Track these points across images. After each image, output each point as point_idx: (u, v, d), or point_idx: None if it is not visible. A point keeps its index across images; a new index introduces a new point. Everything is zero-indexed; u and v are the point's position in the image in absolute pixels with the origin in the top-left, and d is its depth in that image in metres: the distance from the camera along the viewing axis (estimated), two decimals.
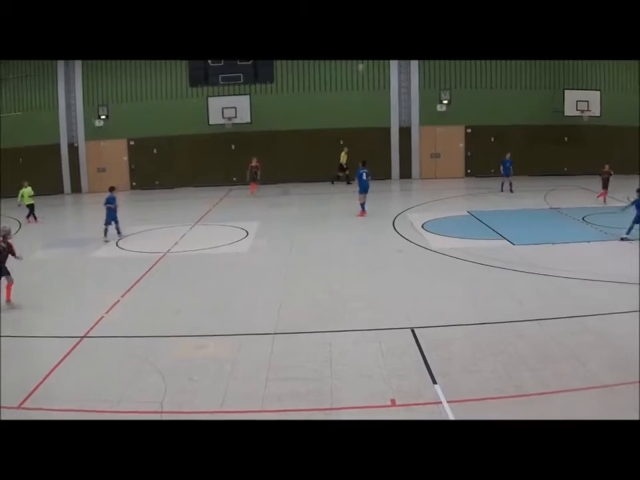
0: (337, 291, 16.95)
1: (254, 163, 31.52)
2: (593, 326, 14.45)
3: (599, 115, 36.53)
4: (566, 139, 37.69)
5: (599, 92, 36.70)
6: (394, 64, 35.26)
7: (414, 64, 35.37)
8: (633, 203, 22.61)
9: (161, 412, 10.47)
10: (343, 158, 34.97)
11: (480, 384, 11.56)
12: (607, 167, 29.77)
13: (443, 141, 36.66)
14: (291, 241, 22.62)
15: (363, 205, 27.00)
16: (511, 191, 31.97)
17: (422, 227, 24.57)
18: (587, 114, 36.45)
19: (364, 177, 26.75)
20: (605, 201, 28.92)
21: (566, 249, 21.34)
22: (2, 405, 10.40)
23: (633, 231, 22.10)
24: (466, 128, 36.84)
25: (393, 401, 10.84)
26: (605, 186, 29.21)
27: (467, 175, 37.24)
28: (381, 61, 34.98)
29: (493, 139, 36.33)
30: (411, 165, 36.56)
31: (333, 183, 35.59)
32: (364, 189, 26.83)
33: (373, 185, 32.39)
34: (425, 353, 12.84)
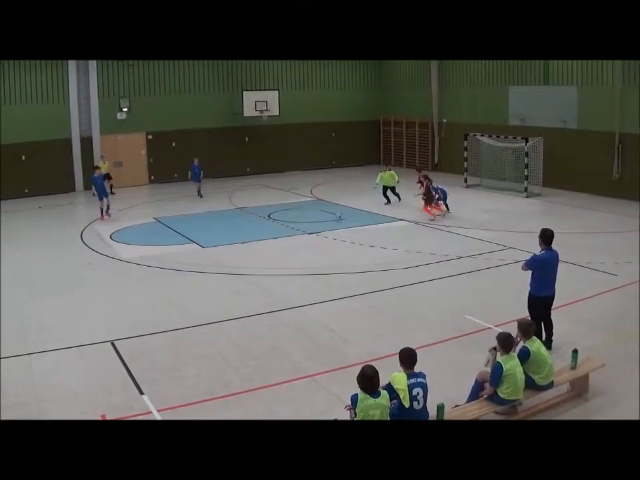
0: (29, 312, 15.87)
1: None
2: (288, 319, 14.90)
3: (277, 114, 37.80)
4: (247, 139, 38.63)
5: (277, 91, 37.98)
6: (72, 72, 33.89)
7: (92, 73, 34.27)
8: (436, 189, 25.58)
9: None
10: (104, 168, 33.53)
11: (187, 388, 11.50)
12: (420, 175, 27.23)
13: (124, 148, 35.86)
14: None
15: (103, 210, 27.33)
16: (200, 195, 31.95)
17: (110, 237, 23.85)
18: (266, 114, 37.54)
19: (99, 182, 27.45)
20: (431, 214, 25.36)
21: (255, 246, 21.86)
22: None
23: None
24: (147, 134, 36.39)
25: (103, 416, 10.42)
26: (429, 200, 25.60)
27: (150, 181, 36.78)
28: (59, 71, 33.65)
29: (174, 144, 36.27)
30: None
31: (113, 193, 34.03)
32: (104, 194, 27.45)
33: (58, 199, 31.38)
34: (128, 365, 12.52)
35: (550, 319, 12.70)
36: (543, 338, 12.21)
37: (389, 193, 28.56)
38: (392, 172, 28.80)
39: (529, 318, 12.07)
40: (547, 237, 12.53)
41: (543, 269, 12.44)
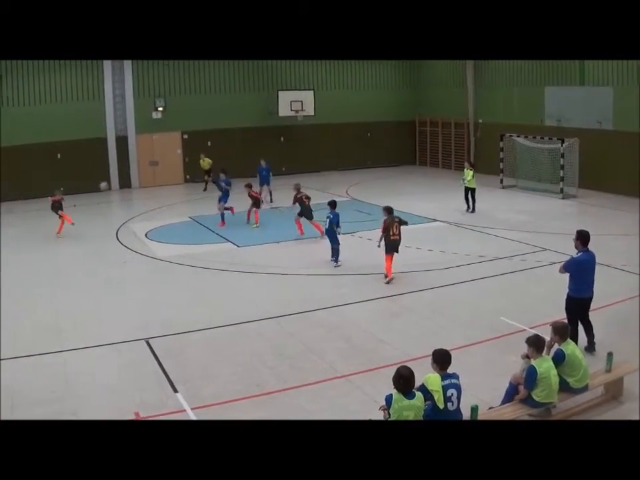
0: (65, 309, 16.09)
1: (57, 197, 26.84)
2: (323, 319, 14.93)
3: (312, 114, 37.88)
4: (282, 139, 38.73)
5: (312, 91, 38.03)
6: (107, 72, 34.24)
7: (127, 72, 34.58)
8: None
9: None
10: (205, 164, 33.88)
11: (221, 387, 11.57)
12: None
13: (160, 148, 36.13)
14: (8, 263, 20.84)
15: (222, 215, 25.54)
16: (271, 200, 30.16)
17: (145, 235, 24.06)
18: (301, 113, 37.61)
19: (224, 185, 25.88)
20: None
21: (290, 246, 21.90)
22: None
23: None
24: (182, 134, 36.61)
25: (137, 414, 10.53)
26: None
27: (185, 180, 37.02)
28: (95, 71, 33.99)
29: (209, 144, 36.39)
30: (129, 174, 35.74)
31: (205, 189, 34.27)
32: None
33: (93, 197, 31.63)
34: (163, 363, 12.62)
35: (589, 320, 12.59)
36: (578, 341, 12.09)
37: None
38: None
39: (566, 320, 12.00)
40: (584, 238, 12.44)
41: (581, 270, 12.33)
